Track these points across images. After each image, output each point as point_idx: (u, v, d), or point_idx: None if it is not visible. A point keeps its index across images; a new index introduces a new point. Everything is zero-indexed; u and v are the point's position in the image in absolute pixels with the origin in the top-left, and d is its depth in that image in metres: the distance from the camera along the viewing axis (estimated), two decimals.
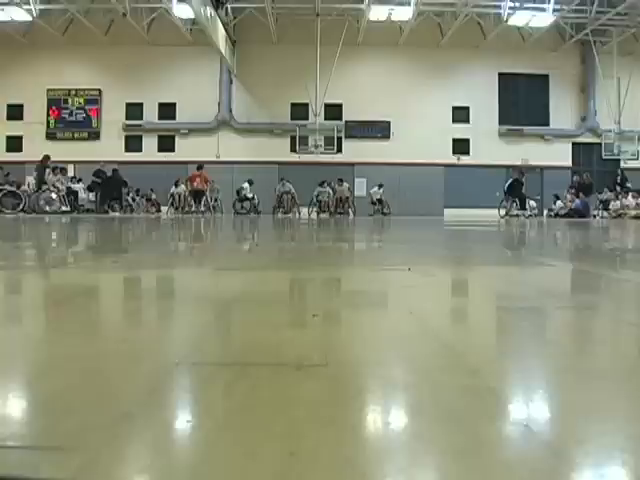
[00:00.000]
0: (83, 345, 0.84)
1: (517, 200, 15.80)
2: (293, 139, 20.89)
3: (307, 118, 21.04)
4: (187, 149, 20.92)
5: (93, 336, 0.94)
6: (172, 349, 0.87)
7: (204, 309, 1.25)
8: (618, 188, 17.88)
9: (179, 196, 17.89)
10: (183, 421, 0.53)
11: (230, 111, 21.40)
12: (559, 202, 18.54)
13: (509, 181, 16.39)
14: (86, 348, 0.83)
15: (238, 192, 18.08)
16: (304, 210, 17.92)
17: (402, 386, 0.66)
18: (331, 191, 18.36)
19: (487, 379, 0.68)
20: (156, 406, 0.56)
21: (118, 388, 0.62)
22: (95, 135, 21.06)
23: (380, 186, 19.17)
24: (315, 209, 18.04)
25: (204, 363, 0.75)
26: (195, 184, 16.28)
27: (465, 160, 21.71)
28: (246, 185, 18.15)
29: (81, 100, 20.85)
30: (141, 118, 21.17)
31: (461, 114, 21.79)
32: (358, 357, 0.81)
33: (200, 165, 16.50)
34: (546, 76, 22.14)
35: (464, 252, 3.41)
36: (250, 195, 18.14)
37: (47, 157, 14.98)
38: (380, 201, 19.16)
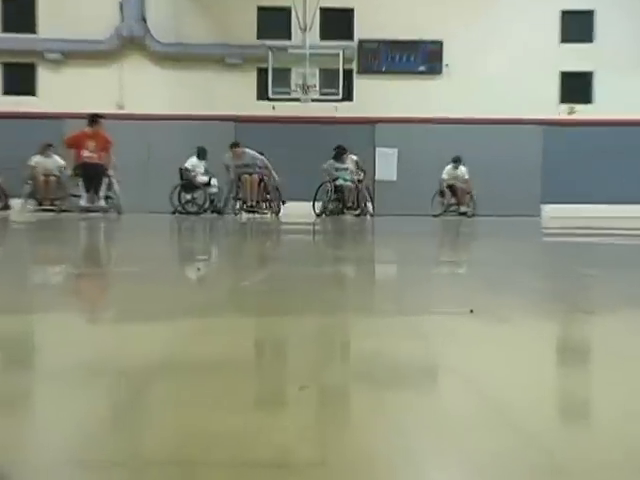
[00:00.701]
0: None
1: None
2: (263, 74, 21.47)
3: (289, 37, 21.87)
4: (62, 91, 21.17)
5: None
6: (59, 444, 0.94)
7: (111, 383, 1.32)
8: None
9: (47, 179, 17.42)
10: None
11: (143, 20, 21.82)
12: None
13: None
14: None
15: (182, 174, 18.19)
16: (287, 206, 17.90)
17: None
18: (356, 170, 18.49)
19: None
20: None
21: None
22: None
23: (456, 162, 19.39)
24: (329, 204, 18.07)
25: (113, 463, 0.83)
26: (86, 154, 15.30)
27: (583, 114, 22.30)
28: (194, 162, 18.14)
29: None
30: None
31: (578, 26, 22.42)
32: (375, 452, 0.88)
33: (95, 117, 15.65)
34: None
35: (576, 285, 3.46)
36: (205, 179, 18.12)
37: None
38: (453, 190, 19.37)
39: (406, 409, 1.12)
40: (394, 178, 21.47)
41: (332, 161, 17.97)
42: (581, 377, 1.50)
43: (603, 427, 1.09)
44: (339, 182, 17.85)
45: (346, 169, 17.98)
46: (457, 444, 0.94)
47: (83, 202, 15.38)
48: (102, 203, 15.42)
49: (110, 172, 15.58)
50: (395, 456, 0.88)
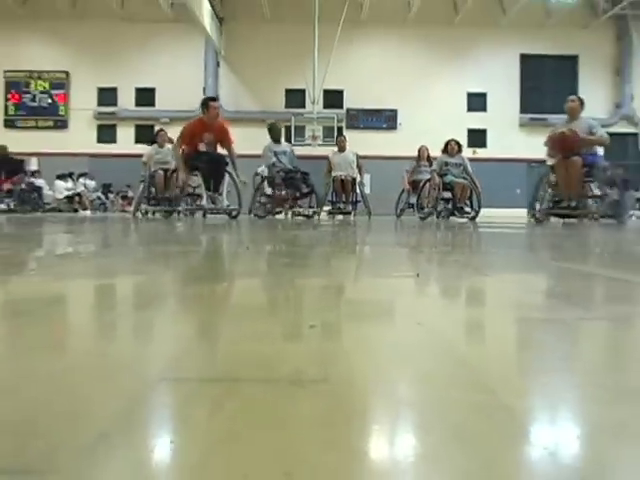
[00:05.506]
0: (48, 360, 1.08)
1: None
2: (288, 129, 26.95)
3: (304, 106, 27.86)
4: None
5: (61, 350, 1.20)
6: (154, 364, 1.08)
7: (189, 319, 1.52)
8: None
9: (165, 173, 14.15)
10: (166, 442, 0.71)
11: (217, 96, 26.35)
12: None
13: None
14: (53, 363, 1.06)
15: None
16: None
17: (409, 404, 0.84)
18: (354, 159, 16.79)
19: (504, 395, 0.86)
20: (136, 426, 0.76)
21: (93, 406, 0.83)
22: (62, 124, 29.32)
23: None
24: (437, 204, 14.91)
25: (189, 379, 0.94)
26: (202, 148, 12.03)
27: (481, 153, 28.26)
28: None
29: (46, 84, 29.43)
30: (115, 105, 29.07)
31: (477, 101, 29.09)
32: (362, 371, 1.01)
33: (207, 101, 12.56)
34: (575, 57, 29.57)
35: (481, 259, 3.73)
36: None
37: (3, 148, 19.49)
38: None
39: (379, 340, 1.24)
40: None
41: (443, 155, 15.00)
42: (488, 313, 1.70)
43: (502, 341, 1.29)
44: (448, 179, 14.66)
45: (459, 165, 14.86)
46: (405, 364, 1.05)
47: (205, 202, 12.22)
48: (223, 205, 12.30)
49: (232, 169, 12.30)
50: (374, 373, 0.99)
